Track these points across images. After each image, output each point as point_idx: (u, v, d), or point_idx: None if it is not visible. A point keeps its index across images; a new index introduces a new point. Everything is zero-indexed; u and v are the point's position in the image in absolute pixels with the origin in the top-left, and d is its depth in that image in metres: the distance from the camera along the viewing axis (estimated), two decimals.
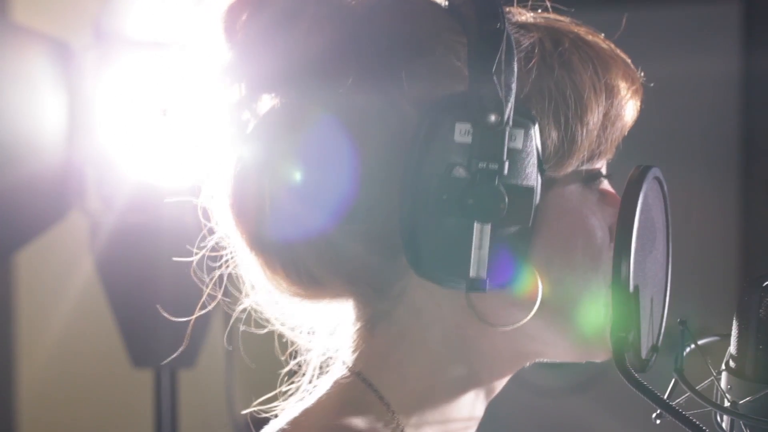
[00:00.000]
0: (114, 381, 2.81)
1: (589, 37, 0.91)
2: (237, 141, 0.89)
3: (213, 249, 0.96)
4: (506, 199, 0.83)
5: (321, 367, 0.97)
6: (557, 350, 0.92)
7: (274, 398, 0.99)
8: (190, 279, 0.98)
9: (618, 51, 0.92)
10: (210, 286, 0.97)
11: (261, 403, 1.00)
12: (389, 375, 0.91)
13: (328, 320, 0.95)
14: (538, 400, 2.87)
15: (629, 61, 0.93)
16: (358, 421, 0.88)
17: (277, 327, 0.97)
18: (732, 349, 0.87)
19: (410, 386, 0.91)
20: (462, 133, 0.83)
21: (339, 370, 0.93)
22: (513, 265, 0.86)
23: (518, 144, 0.84)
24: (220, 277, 0.97)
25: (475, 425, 0.94)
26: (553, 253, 0.88)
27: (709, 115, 2.84)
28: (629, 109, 0.91)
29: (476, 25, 0.83)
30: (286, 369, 1.01)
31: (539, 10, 0.93)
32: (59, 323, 2.78)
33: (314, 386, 0.95)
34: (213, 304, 0.97)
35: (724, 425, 0.87)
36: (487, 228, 0.84)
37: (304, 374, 0.98)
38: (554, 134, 0.87)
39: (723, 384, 0.87)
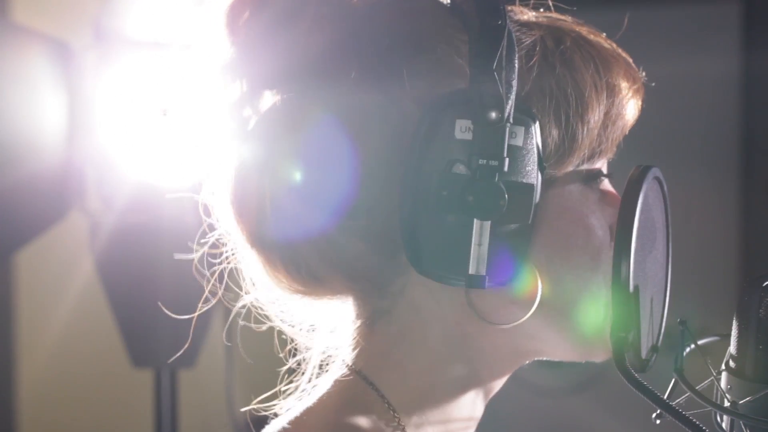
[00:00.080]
0: (114, 381, 2.81)
1: (591, 37, 0.91)
2: (238, 138, 0.90)
3: (213, 246, 0.96)
4: (506, 196, 0.83)
5: (321, 366, 0.97)
6: (556, 349, 0.92)
7: (274, 396, 0.99)
8: (189, 279, 0.98)
9: (620, 50, 0.92)
10: (210, 284, 0.97)
11: (261, 402, 1.00)
12: (390, 373, 0.91)
13: (329, 318, 0.95)
14: (538, 400, 2.87)
15: (631, 60, 0.93)
16: (359, 421, 0.88)
17: (278, 324, 0.97)
18: (732, 349, 0.87)
19: (411, 384, 0.91)
20: (462, 129, 0.84)
21: (339, 368, 0.93)
22: (512, 263, 0.86)
23: (519, 141, 0.84)
24: (221, 275, 0.97)
25: (474, 425, 0.94)
26: (553, 251, 0.88)
27: (709, 115, 2.84)
28: (630, 108, 0.91)
29: (477, 22, 0.83)
30: (286, 367, 1.01)
31: (541, 9, 0.93)
32: (59, 323, 2.78)
33: (314, 385, 0.95)
34: (213, 302, 0.98)
35: (724, 425, 0.87)
36: (487, 225, 0.84)
37: (303, 372, 0.98)
38: (555, 132, 0.87)
39: (723, 384, 0.87)
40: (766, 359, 0.85)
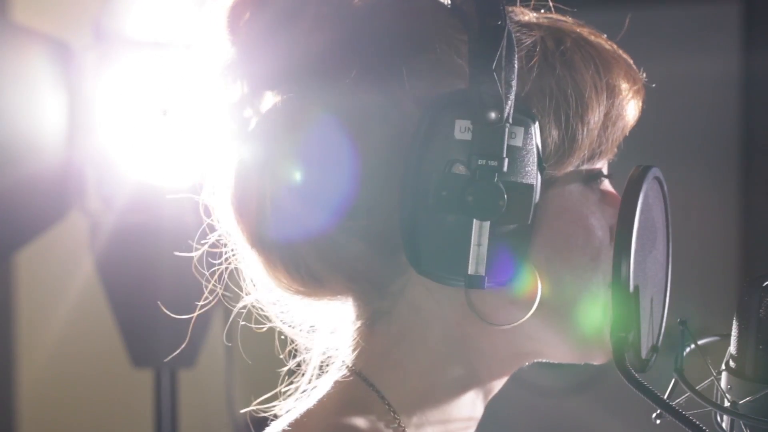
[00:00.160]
0: (114, 381, 2.81)
1: (592, 38, 0.91)
2: (238, 139, 0.90)
3: (213, 246, 0.96)
4: (505, 196, 0.83)
5: (321, 367, 0.97)
6: (556, 351, 0.92)
7: (274, 397, 0.99)
8: (189, 279, 0.98)
9: (620, 51, 0.92)
10: (211, 284, 0.97)
11: (261, 403, 1.00)
12: (390, 374, 0.91)
13: (329, 319, 0.95)
14: (538, 400, 2.87)
15: (631, 61, 0.93)
16: (359, 422, 0.88)
17: (278, 325, 0.97)
18: (732, 349, 0.87)
19: (411, 385, 0.91)
20: (462, 130, 0.84)
21: (339, 369, 0.93)
22: (512, 263, 0.86)
23: (518, 141, 0.84)
24: (221, 275, 0.97)
25: (474, 425, 0.94)
26: (553, 251, 0.88)
27: (709, 115, 2.84)
28: (631, 109, 0.91)
29: (477, 22, 0.83)
30: (286, 368, 1.01)
31: (542, 11, 0.93)
32: (59, 323, 2.78)
33: (314, 386, 0.95)
34: (213, 301, 0.97)
35: (724, 425, 0.87)
36: (486, 225, 0.84)
37: (304, 373, 0.98)
38: (555, 133, 0.87)
39: (723, 384, 0.87)
40: (766, 359, 0.85)
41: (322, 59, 0.86)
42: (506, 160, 0.83)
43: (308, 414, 0.90)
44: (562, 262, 0.88)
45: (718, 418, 0.87)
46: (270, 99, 0.89)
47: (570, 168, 0.89)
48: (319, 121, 0.87)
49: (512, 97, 0.83)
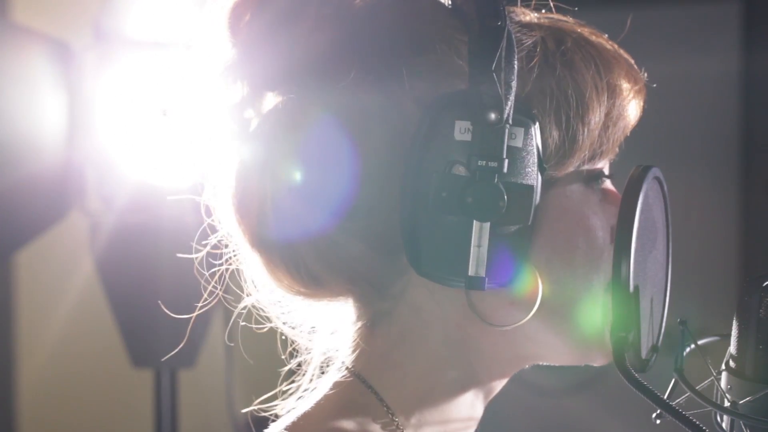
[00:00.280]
0: (114, 381, 2.81)
1: (593, 38, 0.91)
2: (239, 139, 0.90)
3: (213, 246, 0.96)
4: (505, 197, 0.83)
5: (322, 367, 0.97)
6: (555, 352, 0.92)
7: (274, 397, 0.99)
8: (190, 279, 0.98)
9: (621, 51, 0.92)
10: (211, 285, 0.97)
11: (261, 403, 1.00)
12: (389, 375, 0.91)
13: (330, 319, 0.95)
14: (538, 400, 2.87)
15: (633, 61, 0.93)
16: (356, 425, 0.88)
17: (279, 326, 0.97)
18: (732, 349, 0.87)
19: (410, 387, 0.91)
20: (462, 131, 0.83)
21: (338, 370, 0.93)
22: (512, 264, 0.86)
23: (518, 142, 0.84)
24: (221, 275, 0.97)
25: (474, 425, 0.94)
26: (553, 252, 0.88)
27: (709, 115, 2.84)
28: (632, 109, 0.91)
29: (477, 22, 0.83)
30: (287, 368, 1.01)
31: (543, 11, 0.93)
32: (59, 323, 2.78)
33: (314, 387, 0.95)
34: (213, 301, 0.97)
35: (724, 425, 0.87)
36: (486, 226, 0.84)
37: (304, 373, 0.98)
38: (555, 133, 0.87)
39: (723, 384, 0.87)
40: (766, 359, 0.85)
41: (322, 60, 0.86)
42: (506, 161, 0.83)
43: (304, 417, 0.90)
44: (562, 262, 0.88)
45: (718, 418, 0.87)
46: (271, 100, 0.89)
47: (571, 168, 0.89)
48: (319, 122, 0.87)
49: (512, 97, 0.83)
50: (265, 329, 0.99)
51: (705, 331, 0.94)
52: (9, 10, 2.72)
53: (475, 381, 0.92)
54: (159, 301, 1.15)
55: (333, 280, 0.90)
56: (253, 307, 0.97)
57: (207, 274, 0.97)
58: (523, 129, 0.84)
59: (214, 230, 0.95)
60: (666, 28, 2.79)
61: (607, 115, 0.89)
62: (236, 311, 0.99)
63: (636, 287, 0.86)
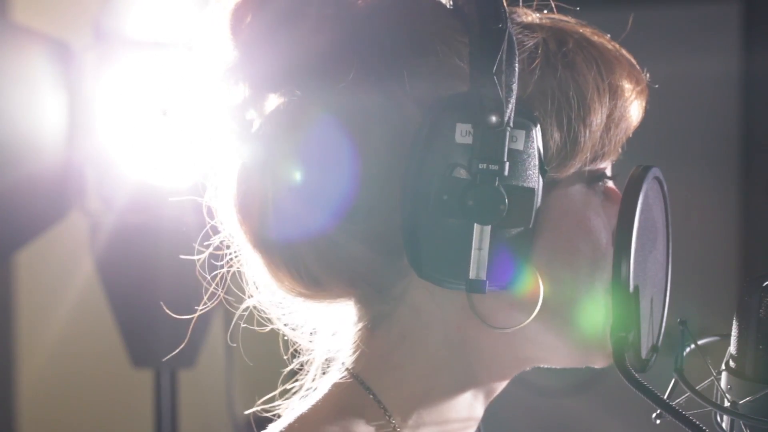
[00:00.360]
0: (114, 381, 2.81)
1: (595, 38, 0.91)
2: (241, 140, 0.89)
3: (215, 248, 0.96)
4: (506, 200, 0.83)
5: (323, 367, 0.97)
6: (556, 354, 0.92)
7: (276, 397, 0.99)
8: (190, 279, 0.98)
9: (623, 52, 0.92)
10: (212, 286, 0.97)
11: (262, 403, 1.00)
12: (388, 376, 0.91)
13: (331, 321, 0.95)
14: (538, 400, 2.87)
15: (635, 62, 0.93)
16: (353, 427, 0.88)
17: (280, 327, 0.97)
18: (732, 349, 0.87)
19: (409, 388, 0.90)
20: (463, 133, 0.83)
21: (338, 371, 0.93)
22: (513, 267, 0.85)
23: (519, 145, 0.84)
24: (222, 276, 0.97)
25: (474, 426, 0.94)
26: (555, 254, 0.87)
27: (709, 115, 2.84)
28: (634, 110, 0.91)
29: (478, 24, 0.83)
30: (288, 369, 1.01)
31: (545, 11, 0.93)
32: (59, 323, 2.78)
33: (313, 388, 0.95)
34: (214, 302, 0.97)
35: (724, 425, 0.87)
36: (487, 229, 0.84)
37: (307, 373, 0.98)
38: (557, 135, 0.87)
39: (723, 384, 0.87)
40: (766, 359, 0.85)
41: (323, 61, 0.86)
42: (507, 164, 0.83)
43: (300, 419, 0.90)
44: (564, 264, 0.88)
45: (718, 418, 0.87)
46: (272, 101, 0.89)
47: (572, 170, 0.88)
48: (319, 122, 0.87)
49: (513, 100, 0.82)
50: (266, 330, 0.99)
51: (705, 331, 0.94)
52: (9, 10, 2.72)
53: (475, 382, 0.92)
54: (160, 302, 1.15)
55: (333, 281, 0.90)
56: (254, 308, 0.97)
57: (209, 276, 0.97)
58: (524, 131, 0.84)
59: (215, 231, 0.95)
60: (666, 28, 2.79)
61: (609, 116, 0.89)
62: (237, 314, 0.98)
63: (636, 287, 0.86)
